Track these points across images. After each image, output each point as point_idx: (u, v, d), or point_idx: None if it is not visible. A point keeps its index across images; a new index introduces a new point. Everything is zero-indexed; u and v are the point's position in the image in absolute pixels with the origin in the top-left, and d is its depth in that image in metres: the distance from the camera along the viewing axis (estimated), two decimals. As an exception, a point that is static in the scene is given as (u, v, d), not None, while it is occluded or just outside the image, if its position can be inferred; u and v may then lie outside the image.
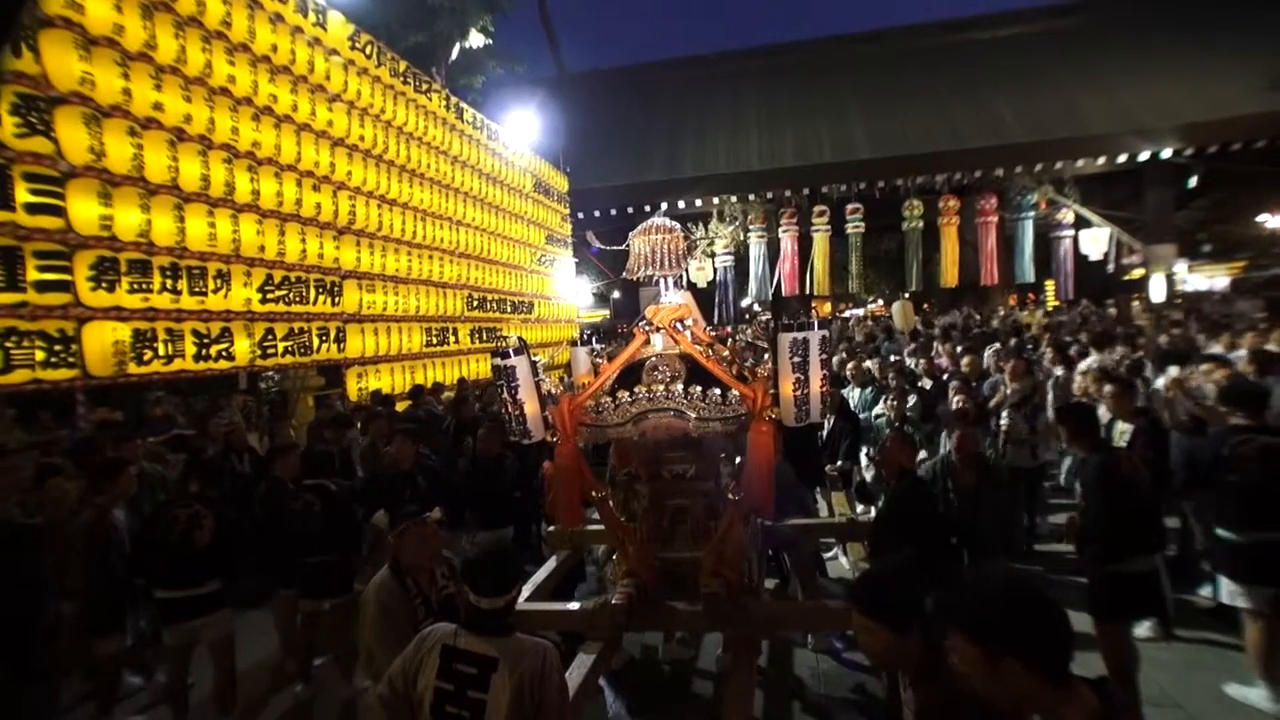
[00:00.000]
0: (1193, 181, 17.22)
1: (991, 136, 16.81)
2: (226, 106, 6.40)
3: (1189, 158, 16.22)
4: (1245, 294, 16.13)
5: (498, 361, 2.88)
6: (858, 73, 19.64)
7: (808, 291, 19.85)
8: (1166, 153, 16.03)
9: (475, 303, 11.13)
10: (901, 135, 17.37)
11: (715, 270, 20.07)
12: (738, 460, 3.19)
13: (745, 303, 24.37)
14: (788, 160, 17.76)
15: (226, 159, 6.37)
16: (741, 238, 19.52)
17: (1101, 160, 16.95)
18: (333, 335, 7.76)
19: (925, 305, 25.12)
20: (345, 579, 4.39)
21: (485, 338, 11.38)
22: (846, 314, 30.44)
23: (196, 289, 6.04)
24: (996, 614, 1.46)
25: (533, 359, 2.93)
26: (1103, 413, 5.00)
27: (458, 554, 3.39)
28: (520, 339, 2.96)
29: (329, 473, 4.57)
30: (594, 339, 3.75)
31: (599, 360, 3.15)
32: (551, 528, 4.08)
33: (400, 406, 8.08)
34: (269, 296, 6.83)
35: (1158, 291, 17.45)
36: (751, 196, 18.96)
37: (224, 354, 6.27)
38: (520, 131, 13.45)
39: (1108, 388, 4.71)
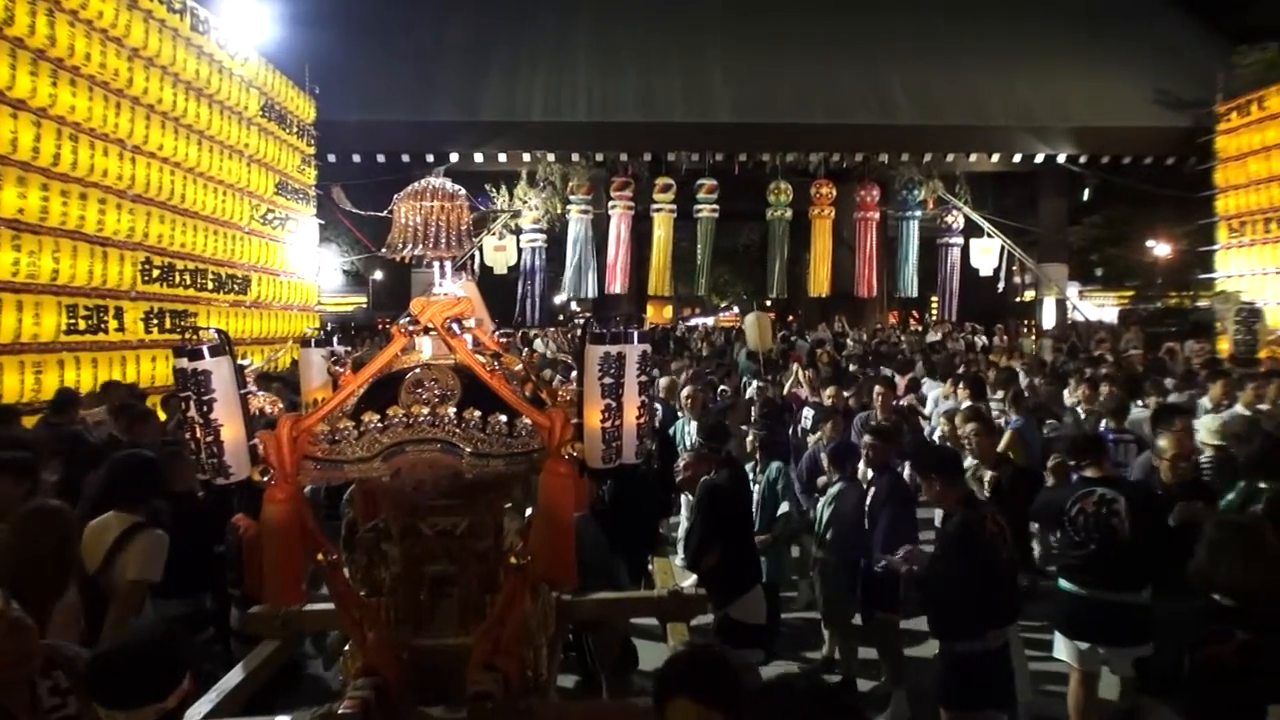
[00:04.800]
0: (1086, 194, 20.37)
1: (879, 114, 18.55)
2: None
3: (1083, 166, 19.17)
4: (1130, 326, 19.25)
5: (185, 364, 2.72)
6: (724, 13, 20.75)
7: (644, 290, 20.56)
8: (1062, 157, 18.78)
9: (157, 272, 10.48)
10: (772, 99, 18.59)
11: (520, 252, 20.18)
12: (527, 512, 3.25)
13: (560, 299, 24.75)
14: (626, 114, 18.34)
15: None
16: (558, 211, 19.81)
17: (996, 158, 19.39)
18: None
19: (790, 318, 26.89)
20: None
21: (170, 325, 10.70)
22: (693, 322, 31.89)
23: None
24: None
25: (239, 362, 2.82)
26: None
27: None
28: (221, 332, 2.82)
29: None
30: (336, 337, 3.65)
31: (340, 369, 3.09)
32: (255, 609, 3.89)
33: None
34: None
35: (1049, 319, 20.18)
36: (575, 157, 19.34)
37: None
38: (246, 26, 12.83)
39: (970, 427, 5.45)
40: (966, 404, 7.54)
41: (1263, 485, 4.51)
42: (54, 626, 3.60)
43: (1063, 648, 4.69)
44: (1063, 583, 4.70)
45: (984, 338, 18.47)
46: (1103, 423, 7.34)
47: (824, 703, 1.84)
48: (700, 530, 5.00)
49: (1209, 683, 2.87)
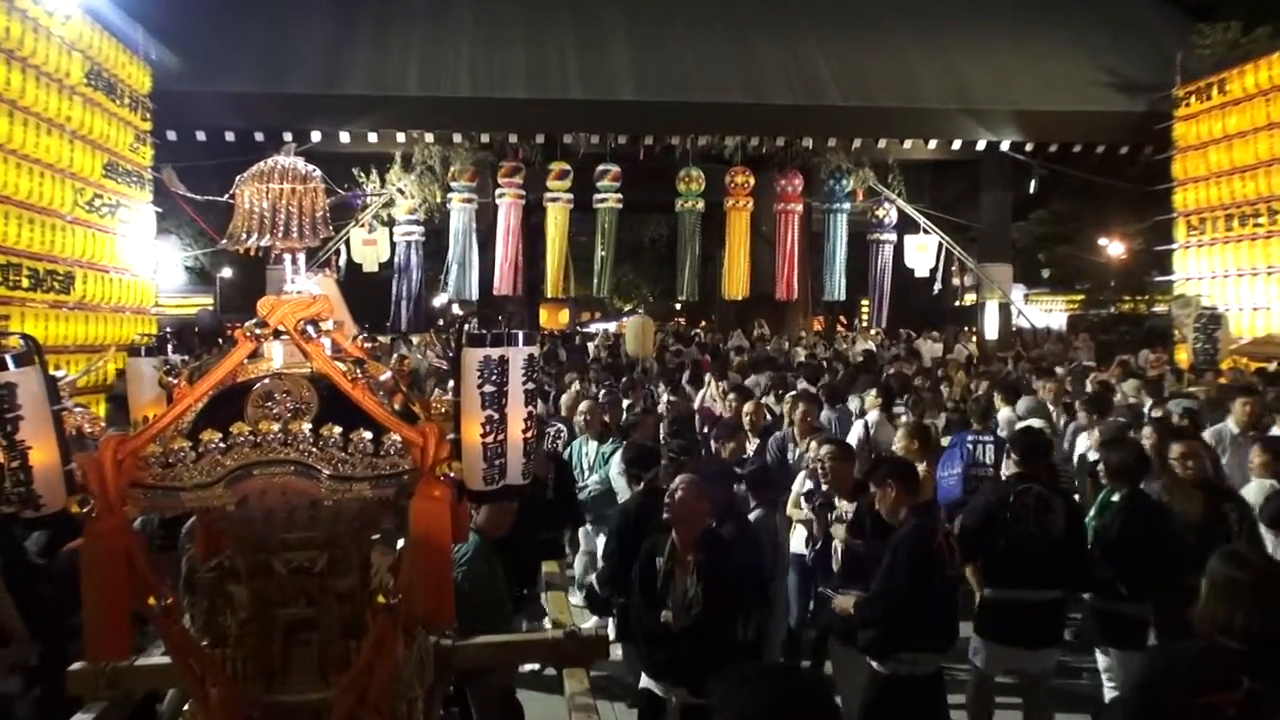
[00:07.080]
0: (1033, 186, 20.99)
1: (803, 94, 18.88)
2: None
3: (1029, 155, 19.77)
4: (1079, 334, 20.03)
5: (-17, 376, 2.63)
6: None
7: (537, 291, 20.52)
8: (1006, 144, 19.35)
9: (-41, 270, 10.07)
10: (681, 76, 18.78)
11: (394, 247, 19.93)
12: (399, 544, 3.23)
13: (441, 301, 24.51)
14: (515, 90, 18.28)
15: None
16: (438, 200, 19.63)
17: (934, 144, 19.90)
18: None
19: (703, 323, 27.22)
20: None
21: (-26, 331, 10.29)
22: (593, 328, 31.92)
23: None
24: None
25: (51, 373, 2.73)
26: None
27: None
28: (28, 338, 2.72)
29: None
30: (171, 344, 3.55)
31: (174, 380, 3.01)
32: (74, 666, 3.76)
33: None
34: None
35: (992, 325, 20.77)
36: (457, 138, 19.19)
37: None
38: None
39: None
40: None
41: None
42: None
43: (996, 658, 5.08)
44: (988, 590, 5.07)
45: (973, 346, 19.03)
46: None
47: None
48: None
49: None
